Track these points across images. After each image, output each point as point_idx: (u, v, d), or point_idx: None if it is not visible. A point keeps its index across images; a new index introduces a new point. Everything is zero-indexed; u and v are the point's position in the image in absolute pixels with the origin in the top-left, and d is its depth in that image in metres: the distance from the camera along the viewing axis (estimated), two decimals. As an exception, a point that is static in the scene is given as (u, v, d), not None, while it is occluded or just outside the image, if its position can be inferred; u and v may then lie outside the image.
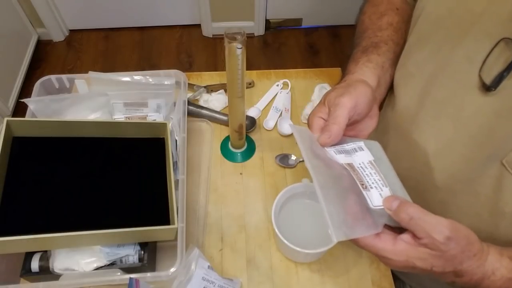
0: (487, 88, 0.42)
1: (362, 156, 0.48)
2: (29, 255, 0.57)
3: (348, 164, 0.47)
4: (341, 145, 0.49)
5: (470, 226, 0.43)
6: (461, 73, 0.46)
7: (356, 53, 0.60)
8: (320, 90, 0.85)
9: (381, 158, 0.48)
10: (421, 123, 0.52)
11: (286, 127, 0.80)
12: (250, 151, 0.78)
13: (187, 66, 2.09)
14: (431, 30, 0.49)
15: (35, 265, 0.56)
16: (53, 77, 0.73)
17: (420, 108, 0.52)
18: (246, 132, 0.76)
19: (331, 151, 0.48)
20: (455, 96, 0.47)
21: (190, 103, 0.82)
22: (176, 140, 0.68)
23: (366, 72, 0.56)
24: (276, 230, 0.59)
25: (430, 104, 0.51)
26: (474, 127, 0.46)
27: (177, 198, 0.59)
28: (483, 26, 0.43)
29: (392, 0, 0.62)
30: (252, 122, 0.81)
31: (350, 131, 0.52)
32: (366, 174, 0.45)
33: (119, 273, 0.55)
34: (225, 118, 0.81)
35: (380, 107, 0.63)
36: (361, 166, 0.46)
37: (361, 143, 0.49)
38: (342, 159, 0.47)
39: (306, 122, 0.82)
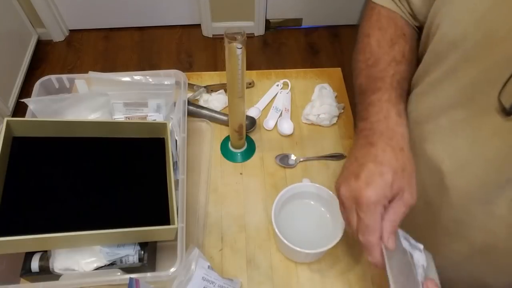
0: (507, 112, 0.41)
1: (419, 256, 0.46)
2: (29, 255, 0.57)
3: (410, 254, 0.46)
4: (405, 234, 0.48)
5: (486, 242, 0.43)
6: (480, 95, 0.44)
7: (387, 95, 0.52)
8: (320, 90, 0.85)
9: (429, 267, 0.47)
10: (437, 142, 0.51)
11: (286, 127, 0.80)
12: (250, 151, 0.78)
13: (187, 66, 2.09)
14: (447, 51, 0.47)
15: (35, 265, 0.56)
16: (53, 77, 0.73)
17: (435, 126, 0.50)
18: (246, 132, 0.76)
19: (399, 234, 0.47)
20: (473, 117, 0.45)
21: (190, 103, 0.82)
22: (176, 140, 0.68)
23: (400, 128, 0.49)
24: (276, 230, 0.59)
25: (447, 123, 0.49)
26: (491, 150, 0.44)
27: (177, 198, 0.59)
28: (504, 51, 0.41)
29: (397, 22, 0.58)
30: (252, 122, 0.81)
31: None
32: (419, 273, 0.44)
33: (119, 273, 0.55)
34: (225, 118, 0.81)
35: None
36: (417, 264, 0.45)
37: (421, 246, 0.48)
38: (407, 246, 0.46)
39: (306, 122, 0.82)
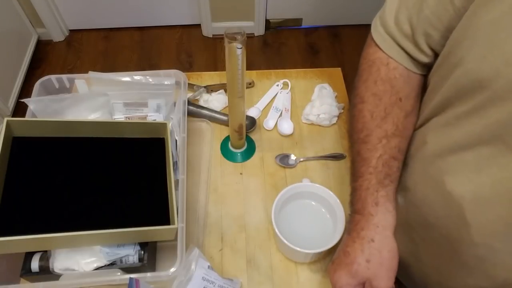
0: None
1: None
2: (29, 255, 0.57)
3: None
4: None
5: (507, 279, 0.43)
6: (509, 135, 0.43)
7: (366, 182, 0.54)
8: (320, 90, 0.85)
9: None
10: (458, 176, 0.49)
11: (286, 127, 0.80)
12: (250, 151, 0.78)
13: (187, 66, 2.09)
14: (473, 88, 0.45)
15: (35, 265, 0.56)
16: (53, 77, 0.73)
17: (459, 160, 0.49)
18: (246, 132, 0.76)
19: None
20: (500, 156, 0.44)
21: (190, 103, 0.82)
22: (176, 140, 0.68)
23: (387, 219, 0.53)
24: (276, 230, 0.59)
25: (472, 158, 0.47)
26: None
27: (177, 198, 0.59)
28: None
29: (394, 84, 0.56)
30: (252, 122, 0.81)
31: None
32: None
33: (119, 273, 0.55)
34: (225, 118, 0.81)
35: None
36: None
37: None
38: None
39: (306, 122, 0.82)
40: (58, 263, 0.56)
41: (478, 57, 0.43)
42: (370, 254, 0.51)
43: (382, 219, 0.52)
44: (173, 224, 0.57)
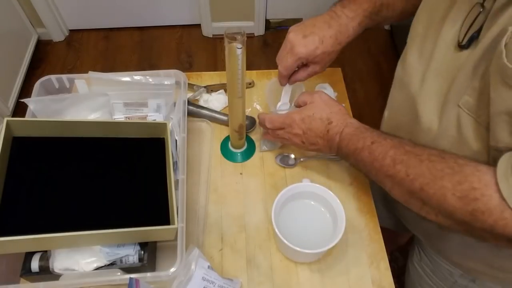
0: (461, 46, 0.50)
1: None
2: (29, 255, 0.57)
3: None
4: None
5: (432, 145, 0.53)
6: (448, 32, 0.52)
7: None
8: (320, 90, 0.85)
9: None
10: (414, 79, 0.58)
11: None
12: (250, 151, 0.78)
13: (187, 66, 2.09)
14: None
15: (35, 265, 0.56)
16: (53, 77, 0.73)
17: (419, 64, 0.57)
18: (246, 132, 0.76)
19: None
20: (441, 53, 0.53)
21: (190, 103, 0.82)
22: (176, 140, 0.68)
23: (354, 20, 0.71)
24: (276, 230, 0.59)
25: (425, 60, 0.56)
26: (449, 81, 0.51)
27: (177, 198, 0.59)
28: None
29: None
30: (252, 122, 0.81)
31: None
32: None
33: (119, 273, 0.55)
34: (225, 118, 0.81)
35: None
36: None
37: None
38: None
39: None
40: (58, 263, 0.56)
41: None
42: (323, 36, 0.73)
43: (348, 23, 0.74)
44: (173, 224, 0.57)
